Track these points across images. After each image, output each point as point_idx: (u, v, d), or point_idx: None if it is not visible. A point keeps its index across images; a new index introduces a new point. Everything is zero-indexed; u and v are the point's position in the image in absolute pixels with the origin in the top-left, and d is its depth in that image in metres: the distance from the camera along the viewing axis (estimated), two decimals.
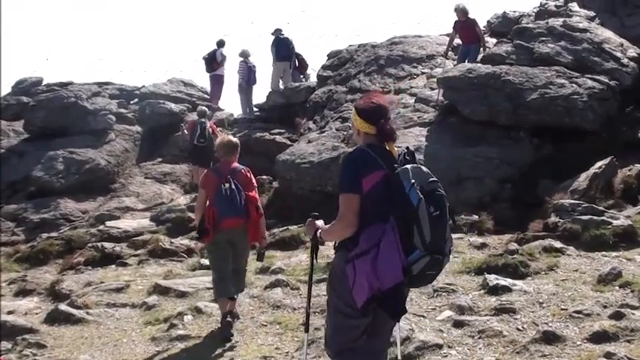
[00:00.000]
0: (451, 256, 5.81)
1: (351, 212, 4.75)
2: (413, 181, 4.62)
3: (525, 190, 13.44)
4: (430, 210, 4.55)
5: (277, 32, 23.67)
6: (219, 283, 8.70)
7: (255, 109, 23.81)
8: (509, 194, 13.61)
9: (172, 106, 23.59)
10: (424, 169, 4.79)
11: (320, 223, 5.26)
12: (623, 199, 12.28)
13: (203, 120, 18.28)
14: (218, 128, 18.91)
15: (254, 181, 8.93)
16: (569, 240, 10.74)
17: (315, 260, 5.51)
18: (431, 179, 4.74)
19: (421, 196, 4.56)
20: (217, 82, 24.51)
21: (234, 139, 9.15)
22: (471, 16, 18.83)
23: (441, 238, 4.65)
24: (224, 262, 8.71)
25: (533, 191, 13.24)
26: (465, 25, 18.76)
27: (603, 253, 10.12)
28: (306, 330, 5.84)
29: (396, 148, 4.96)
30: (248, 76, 23.36)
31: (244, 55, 23.49)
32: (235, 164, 8.90)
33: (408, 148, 5.09)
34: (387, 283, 4.57)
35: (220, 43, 24.28)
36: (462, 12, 18.67)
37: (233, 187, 8.56)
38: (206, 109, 19.85)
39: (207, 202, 8.65)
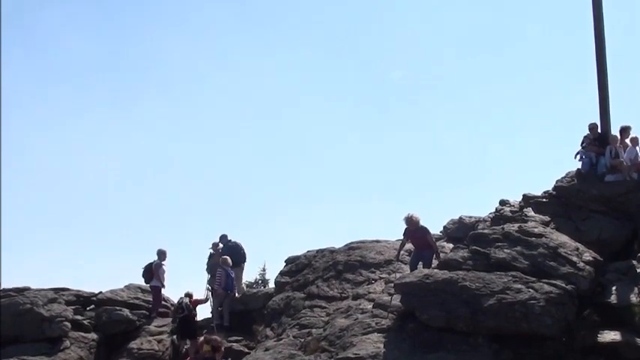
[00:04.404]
0: None
1: None
2: None
3: None
4: None
5: (224, 239, 23.66)
6: None
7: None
8: None
9: (129, 312, 23.15)
10: None
11: None
12: None
13: (183, 297, 20.90)
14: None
15: None
16: None
17: None
18: None
19: None
20: (154, 292, 24.01)
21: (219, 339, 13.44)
22: (423, 223, 18.90)
23: None
24: None
25: None
26: (415, 233, 18.85)
27: None
28: None
29: None
30: (226, 283, 22.75)
31: (225, 263, 22.92)
32: None
33: None
34: None
35: (159, 254, 23.96)
36: (411, 221, 18.77)
37: None
38: (191, 292, 21.59)
39: None
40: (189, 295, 21.30)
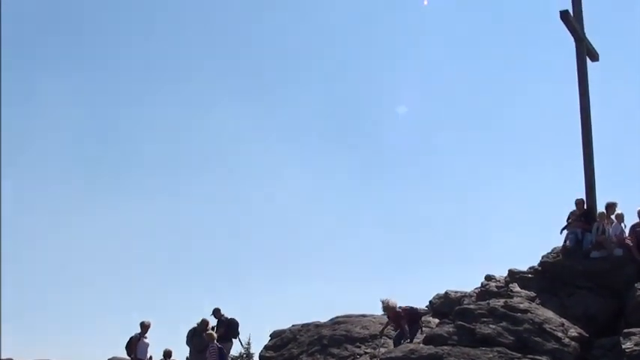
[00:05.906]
0: None
1: None
2: None
3: None
4: None
5: (218, 313, 23.31)
6: None
7: None
8: None
9: None
10: None
11: None
12: None
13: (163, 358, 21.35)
14: None
15: None
16: None
17: None
18: None
19: None
20: None
21: None
22: (402, 303, 18.94)
23: None
24: None
25: None
26: (394, 317, 18.88)
27: None
28: None
29: None
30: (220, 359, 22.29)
31: (211, 337, 22.53)
32: None
33: None
34: None
35: (141, 326, 23.49)
36: (387, 308, 18.88)
37: None
38: (171, 350, 21.83)
39: None
40: (168, 355, 21.55)
